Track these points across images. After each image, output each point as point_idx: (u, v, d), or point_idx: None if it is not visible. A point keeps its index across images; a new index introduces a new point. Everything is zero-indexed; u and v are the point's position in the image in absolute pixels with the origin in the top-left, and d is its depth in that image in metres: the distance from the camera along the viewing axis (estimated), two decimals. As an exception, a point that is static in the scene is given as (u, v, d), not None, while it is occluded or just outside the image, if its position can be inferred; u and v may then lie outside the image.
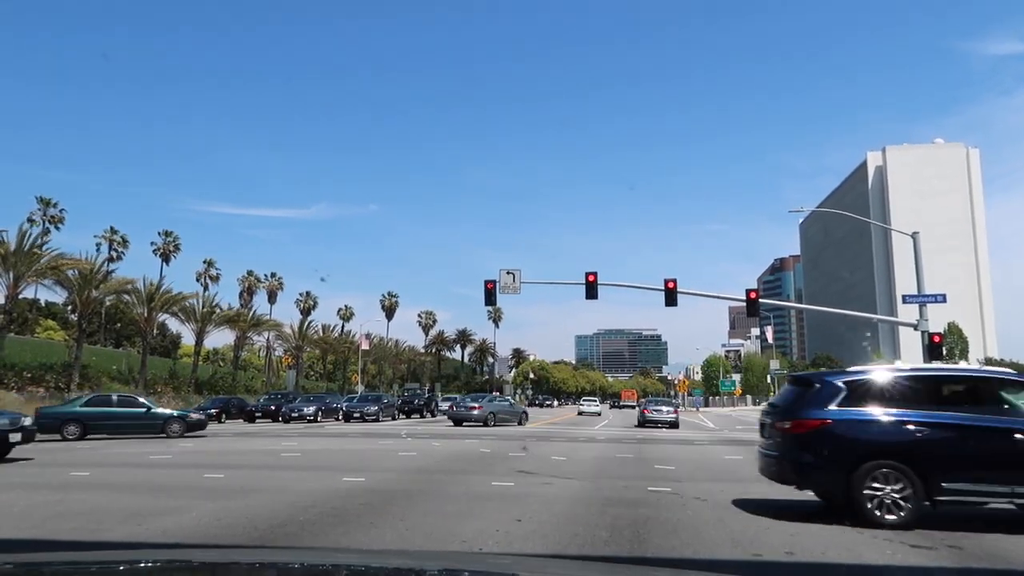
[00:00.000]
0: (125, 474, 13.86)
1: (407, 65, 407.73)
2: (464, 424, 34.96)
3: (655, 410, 39.51)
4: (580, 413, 59.61)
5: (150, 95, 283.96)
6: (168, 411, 27.23)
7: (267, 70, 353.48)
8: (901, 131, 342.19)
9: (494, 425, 34.56)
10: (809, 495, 11.17)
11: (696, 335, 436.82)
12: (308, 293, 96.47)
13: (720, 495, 11.08)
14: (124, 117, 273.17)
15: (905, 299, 32.09)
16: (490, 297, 31.82)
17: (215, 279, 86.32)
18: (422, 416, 49.18)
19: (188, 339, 74.57)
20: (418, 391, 72.95)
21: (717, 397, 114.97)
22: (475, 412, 35.03)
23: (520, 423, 36.91)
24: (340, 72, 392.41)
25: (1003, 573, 6.87)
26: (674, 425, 37.85)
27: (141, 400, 27.36)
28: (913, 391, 9.08)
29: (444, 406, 55.73)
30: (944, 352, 38.02)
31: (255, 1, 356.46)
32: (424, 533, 8.00)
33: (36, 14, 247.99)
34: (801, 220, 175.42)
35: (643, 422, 39.23)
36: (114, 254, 78.15)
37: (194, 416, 27.72)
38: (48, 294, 76.30)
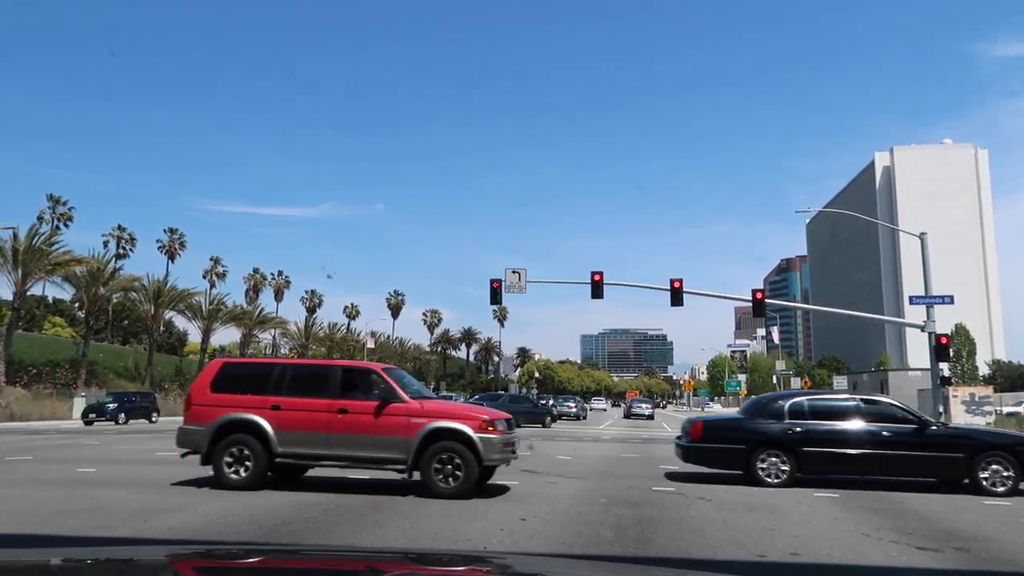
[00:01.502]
0: (131, 471, 13.91)
1: (415, 70, 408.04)
2: (562, 419, 43.51)
3: (637, 406, 55.09)
4: (591, 409, 73.48)
5: (160, 96, 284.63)
6: (547, 405, 33.47)
7: (276, 72, 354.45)
8: (908, 134, 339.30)
9: (584, 419, 46.53)
10: (816, 497, 11.14)
11: (702, 335, 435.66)
12: (314, 291, 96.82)
13: (724, 496, 11.06)
14: (134, 118, 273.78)
15: (912, 300, 31.93)
16: (496, 296, 31.84)
17: (222, 277, 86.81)
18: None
19: (195, 336, 74.72)
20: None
21: (723, 397, 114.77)
22: (573, 410, 47.44)
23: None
24: (349, 76, 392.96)
25: (1010, 575, 6.84)
26: (651, 417, 52.24)
27: (528, 395, 32.57)
28: None
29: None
30: (951, 354, 37.82)
31: (264, 5, 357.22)
32: (429, 532, 8.00)
33: (46, 17, 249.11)
34: (808, 221, 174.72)
35: (628, 415, 53.57)
36: (122, 252, 78.56)
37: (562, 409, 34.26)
38: (56, 291, 76.74)
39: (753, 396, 25.85)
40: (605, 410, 77.80)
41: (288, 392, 10.92)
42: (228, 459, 10.75)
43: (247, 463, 10.68)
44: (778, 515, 9.41)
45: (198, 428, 11.08)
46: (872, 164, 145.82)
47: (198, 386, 11.48)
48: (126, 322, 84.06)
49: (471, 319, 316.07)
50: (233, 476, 10.68)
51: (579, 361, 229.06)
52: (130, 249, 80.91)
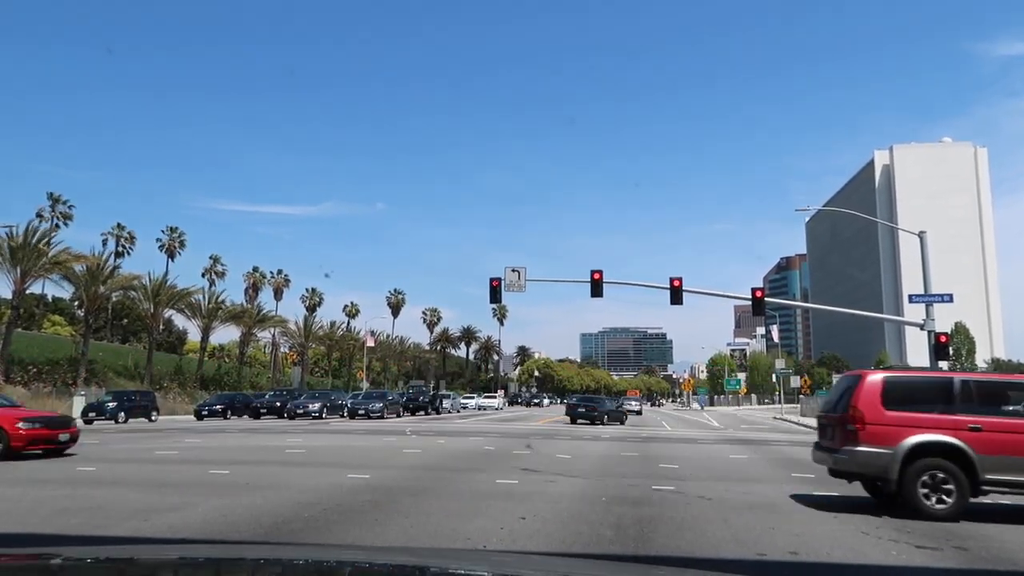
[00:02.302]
0: (131, 469, 13.91)
1: (416, 68, 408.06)
2: (579, 421, 38.66)
3: (627, 402, 59.45)
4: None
5: (161, 95, 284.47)
6: None
7: (276, 71, 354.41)
8: (909, 133, 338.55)
9: (605, 423, 38.38)
10: (811, 496, 11.15)
11: (702, 334, 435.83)
12: (314, 290, 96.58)
13: (724, 494, 11.06)
14: (135, 117, 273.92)
15: (912, 299, 31.95)
16: (495, 294, 31.84)
17: (221, 275, 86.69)
18: (427, 413, 49.21)
19: (194, 335, 74.63)
20: (423, 388, 72.93)
21: (722, 396, 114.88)
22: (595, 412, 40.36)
23: (622, 422, 40.63)
24: (350, 74, 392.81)
25: (1009, 574, 6.84)
26: (639, 412, 58.54)
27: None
28: None
29: (447, 404, 55.82)
30: (951, 352, 37.88)
31: (264, 3, 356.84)
32: (428, 531, 8.00)
33: (48, 16, 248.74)
34: (808, 219, 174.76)
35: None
36: (121, 250, 78.46)
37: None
38: (55, 289, 76.62)
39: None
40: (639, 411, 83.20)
41: (980, 410, 9.84)
42: (923, 487, 9.55)
43: (946, 489, 9.54)
44: (778, 514, 9.41)
45: (881, 451, 9.73)
46: (872, 162, 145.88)
47: (867, 403, 10.04)
48: (126, 321, 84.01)
49: (471, 318, 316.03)
50: (936, 506, 9.46)
51: (579, 360, 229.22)
52: (129, 248, 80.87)
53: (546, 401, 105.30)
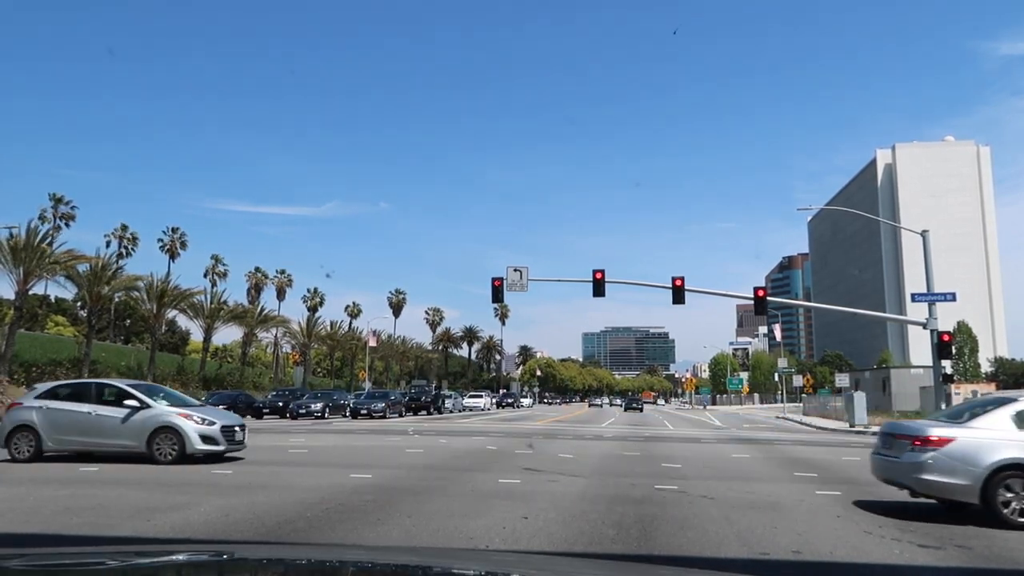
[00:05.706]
0: (133, 470, 13.91)
1: (418, 69, 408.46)
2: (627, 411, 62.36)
3: (634, 400, 79.93)
4: (590, 406, 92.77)
5: (162, 96, 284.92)
6: None
7: (279, 71, 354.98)
8: (912, 132, 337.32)
9: (643, 411, 67.20)
10: (818, 495, 11.13)
11: (704, 333, 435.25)
12: (316, 290, 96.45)
13: (727, 493, 11.05)
14: (137, 117, 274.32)
15: (914, 297, 31.90)
16: (497, 294, 31.83)
17: (223, 276, 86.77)
18: (429, 413, 49.20)
19: (197, 335, 74.66)
20: (425, 388, 72.73)
21: (724, 395, 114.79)
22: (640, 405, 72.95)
23: (642, 410, 63.78)
24: (353, 74, 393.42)
25: (1012, 574, 6.83)
26: (640, 409, 70.12)
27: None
28: None
29: (448, 404, 55.68)
30: (953, 351, 37.77)
31: (267, 5, 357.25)
32: (430, 530, 8.00)
33: (50, 16, 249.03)
34: (810, 218, 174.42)
35: (627, 408, 71.66)
36: (124, 251, 78.57)
37: None
38: (58, 290, 76.86)
39: None
40: (601, 406, 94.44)
41: None
42: None
43: None
44: (781, 513, 9.40)
45: None
46: (874, 161, 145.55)
47: None
48: (128, 321, 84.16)
49: (473, 317, 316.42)
50: None
51: (581, 359, 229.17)
52: (132, 248, 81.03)
53: (526, 401, 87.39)
